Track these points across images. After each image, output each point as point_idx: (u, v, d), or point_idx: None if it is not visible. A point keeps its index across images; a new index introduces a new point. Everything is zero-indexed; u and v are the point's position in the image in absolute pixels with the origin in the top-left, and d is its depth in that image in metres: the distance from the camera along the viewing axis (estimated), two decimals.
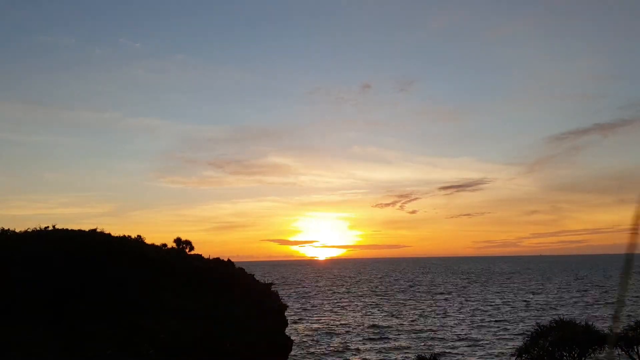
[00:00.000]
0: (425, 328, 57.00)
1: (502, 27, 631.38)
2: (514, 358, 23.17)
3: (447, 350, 44.38)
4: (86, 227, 25.80)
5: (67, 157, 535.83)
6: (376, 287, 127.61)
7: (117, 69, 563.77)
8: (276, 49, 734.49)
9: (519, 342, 27.88)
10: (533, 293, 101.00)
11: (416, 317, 66.68)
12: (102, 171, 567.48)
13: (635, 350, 21.95)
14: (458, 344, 47.60)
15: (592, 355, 22.05)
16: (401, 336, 52.02)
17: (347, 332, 55.36)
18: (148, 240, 29.20)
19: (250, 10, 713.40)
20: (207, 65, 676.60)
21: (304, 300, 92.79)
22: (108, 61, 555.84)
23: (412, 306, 79.64)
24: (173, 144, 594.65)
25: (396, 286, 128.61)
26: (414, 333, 53.86)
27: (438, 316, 67.15)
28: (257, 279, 32.19)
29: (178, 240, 31.22)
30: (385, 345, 47.31)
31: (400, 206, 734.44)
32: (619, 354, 23.18)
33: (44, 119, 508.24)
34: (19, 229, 24.49)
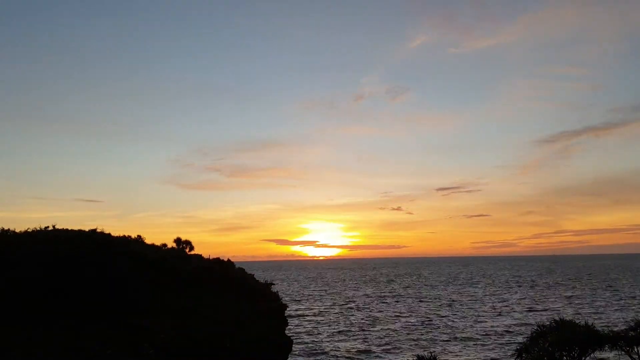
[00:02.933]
0: (425, 328, 57.01)
1: (488, 38, 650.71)
2: (513, 358, 23.14)
3: (446, 351, 44.38)
4: (92, 229, 25.84)
5: (80, 162, 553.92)
6: (375, 287, 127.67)
7: (131, 84, 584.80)
8: (276, 61, 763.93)
9: (518, 343, 27.86)
10: (534, 294, 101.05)
11: (416, 316, 66.68)
12: (113, 176, 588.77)
13: (635, 350, 21.92)
14: (458, 344, 47.62)
15: (592, 355, 22.02)
16: (401, 336, 52.02)
17: (347, 332, 55.37)
18: (149, 241, 29.20)
19: (248, 27, 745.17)
20: (210, 78, 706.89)
21: (303, 299, 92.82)
22: (122, 78, 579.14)
23: (412, 306, 79.65)
24: (181, 151, 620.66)
25: (395, 286, 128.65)
26: (413, 333, 53.88)
27: (438, 316, 67.15)
28: (257, 278, 32.18)
29: (178, 240, 31.20)
30: (384, 345, 47.31)
31: (398, 208, 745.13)
32: (619, 354, 23.17)
33: (64, 129, 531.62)
34: (19, 229, 24.51)
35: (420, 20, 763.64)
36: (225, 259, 32.26)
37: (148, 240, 29.00)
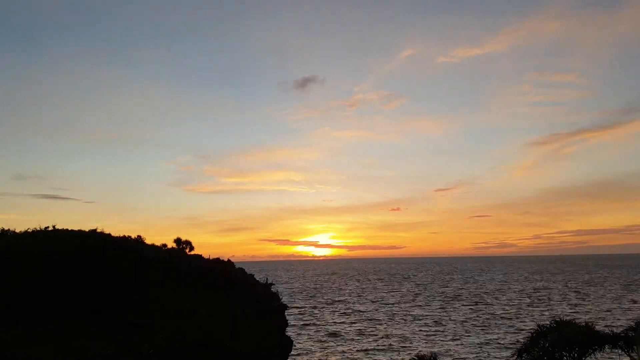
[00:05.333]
0: (425, 328, 57.00)
1: (475, 48, 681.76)
2: (513, 358, 23.12)
3: (447, 350, 44.38)
4: (92, 229, 25.84)
5: (88, 166, 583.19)
6: (375, 287, 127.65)
7: (138, 95, 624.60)
8: (275, 72, 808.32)
9: (518, 343, 27.85)
10: (533, 293, 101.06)
11: (416, 316, 66.68)
12: (119, 179, 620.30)
13: (636, 350, 21.90)
14: (458, 343, 47.60)
15: (592, 355, 22.01)
16: (401, 336, 52.01)
17: (347, 332, 55.37)
18: (150, 241, 29.16)
19: (250, 41, 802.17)
20: (213, 86, 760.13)
21: (303, 299, 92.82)
22: (131, 92, 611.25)
23: (411, 306, 79.65)
24: (185, 156, 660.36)
25: (395, 286, 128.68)
26: (413, 333, 53.87)
27: (438, 316, 67.14)
28: (257, 278, 32.16)
29: (178, 241, 31.19)
30: (384, 345, 47.31)
31: (397, 209, 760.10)
32: (619, 354, 23.16)
33: (84, 139, 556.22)
34: (19, 229, 24.49)
35: (408, 33, 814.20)
36: (226, 259, 32.25)
37: (148, 241, 28.99)
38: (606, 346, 21.94)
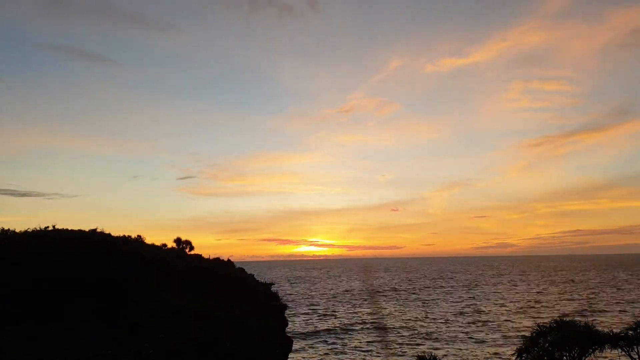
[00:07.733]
0: (425, 328, 56.99)
1: (461, 57, 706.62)
2: (513, 358, 23.12)
3: (447, 350, 44.36)
4: (93, 229, 25.89)
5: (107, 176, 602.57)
6: (376, 286, 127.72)
7: (154, 112, 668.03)
8: (273, 85, 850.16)
9: (518, 342, 27.85)
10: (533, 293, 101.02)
11: (416, 316, 66.69)
12: (131, 185, 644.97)
13: (635, 350, 21.89)
14: (458, 344, 47.59)
15: (592, 355, 22.00)
16: (401, 336, 52.00)
17: (347, 332, 55.36)
18: (150, 241, 29.20)
19: (251, 58, 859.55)
20: (218, 96, 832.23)
21: (304, 299, 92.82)
22: (141, 107, 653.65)
23: (411, 306, 79.65)
24: (189, 160, 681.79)
25: (395, 286, 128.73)
26: (413, 333, 53.86)
27: (438, 316, 67.14)
28: (257, 278, 32.19)
29: (178, 240, 31.22)
30: (385, 345, 47.30)
31: (396, 209, 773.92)
32: (619, 354, 23.14)
33: (99, 149, 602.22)
34: (19, 229, 24.52)
35: (394, 45, 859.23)
36: (226, 259, 32.28)
37: (149, 241, 29.02)
38: (606, 346, 21.93)
